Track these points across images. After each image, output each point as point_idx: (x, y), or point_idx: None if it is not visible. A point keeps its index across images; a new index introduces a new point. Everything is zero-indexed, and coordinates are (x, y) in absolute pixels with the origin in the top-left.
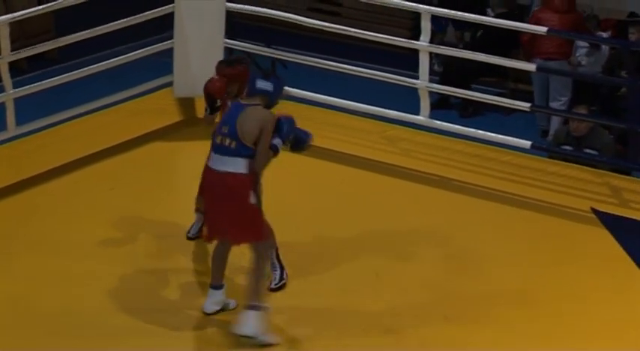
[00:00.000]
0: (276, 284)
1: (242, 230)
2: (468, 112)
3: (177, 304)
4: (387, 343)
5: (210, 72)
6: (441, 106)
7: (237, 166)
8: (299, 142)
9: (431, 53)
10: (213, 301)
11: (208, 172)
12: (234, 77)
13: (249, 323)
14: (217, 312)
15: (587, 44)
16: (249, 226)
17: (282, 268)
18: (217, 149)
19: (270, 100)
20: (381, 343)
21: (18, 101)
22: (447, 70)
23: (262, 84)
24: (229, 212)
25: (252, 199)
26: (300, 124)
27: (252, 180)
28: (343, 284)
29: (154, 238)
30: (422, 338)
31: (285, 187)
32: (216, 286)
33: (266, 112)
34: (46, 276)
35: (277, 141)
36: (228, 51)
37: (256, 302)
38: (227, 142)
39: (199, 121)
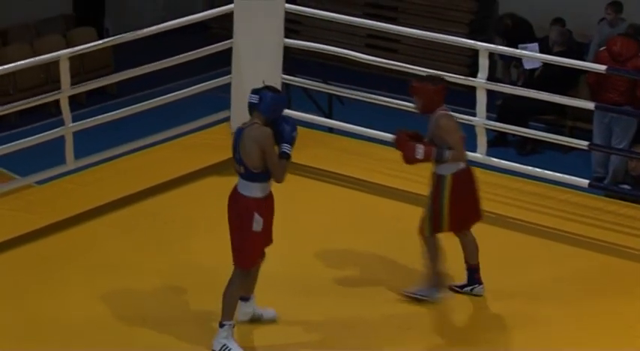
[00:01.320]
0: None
1: (234, 251)
2: (526, 150)
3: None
4: None
5: None
6: (499, 143)
7: (246, 189)
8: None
9: (488, 90)
10: (241, 311)
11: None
12: (415, 91)
13: (215, 338)
14: (251, 321)
15: None
16: (238, 249)
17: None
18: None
19: (264, 114)
20: None
21: (77, 135)
22: (505, 107)
23: (250, 97)
24: (231, 232)
25: (255, 225)
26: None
27: (259, 204)
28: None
29: (208, 271)
30: None
31: (339, 225)
32: (244, 298)
33: (259, 129)
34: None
35: (285, 147)
36: (285, 87)
37: (221, 320)
38: (237, 167)
39: None
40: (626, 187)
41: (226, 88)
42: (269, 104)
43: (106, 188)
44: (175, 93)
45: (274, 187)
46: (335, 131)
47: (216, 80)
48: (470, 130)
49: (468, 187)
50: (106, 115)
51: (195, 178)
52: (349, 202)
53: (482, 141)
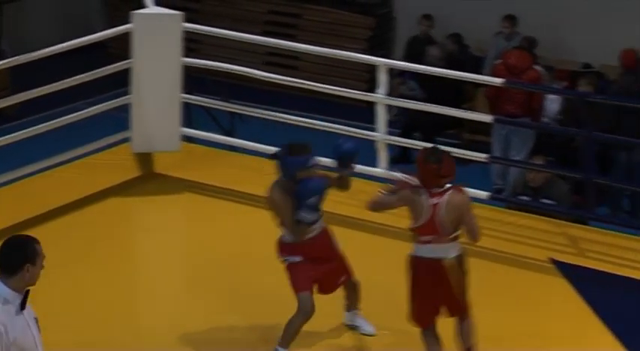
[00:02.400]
0: None
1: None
2: None
3: None
4: None
5: (168, 126)
6: (403, 160)
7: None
8: (342, 158)
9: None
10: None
11: None
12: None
13: None
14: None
15: (558, 101)
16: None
17: None
18: None
19: (282, 173)
20: None
21: None
22: (408, 124)
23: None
24: None
25: (288, 260)
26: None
27: (283, 245)
28: None
29: (106, 295)
30: None
31: (245, 244)
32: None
33: (269, 190)
34: None
35: (302, 215)
36: (186, 106)
37: (278, 346)
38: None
39: (157, 176)
40: (525, 198)
41: (126, 108)
42: (280, 165)
43: (3, 213)
44: (75, 114)
45: (179, 208)
46: (237, 149)
47: (116, 100)
48: (370, 145)
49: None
50: (4, 137)
51: (95, 200)
52: (253, 220)
53: (383, 156)
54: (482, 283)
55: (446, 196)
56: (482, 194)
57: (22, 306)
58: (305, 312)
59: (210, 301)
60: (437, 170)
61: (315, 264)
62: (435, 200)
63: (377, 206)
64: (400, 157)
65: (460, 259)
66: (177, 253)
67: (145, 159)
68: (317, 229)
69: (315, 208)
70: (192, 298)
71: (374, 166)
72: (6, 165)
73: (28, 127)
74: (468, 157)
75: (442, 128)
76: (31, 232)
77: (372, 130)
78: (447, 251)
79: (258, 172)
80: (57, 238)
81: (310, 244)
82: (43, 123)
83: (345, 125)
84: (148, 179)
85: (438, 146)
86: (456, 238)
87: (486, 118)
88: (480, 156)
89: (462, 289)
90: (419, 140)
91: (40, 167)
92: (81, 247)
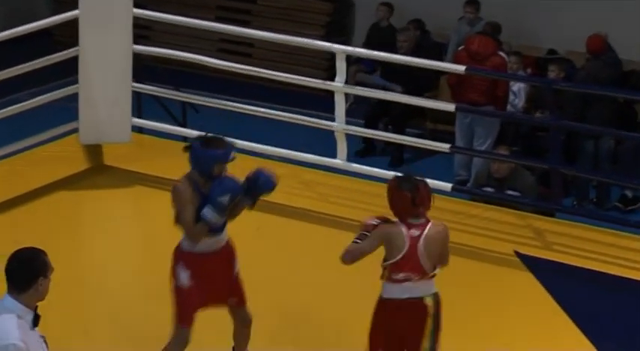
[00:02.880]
0: None
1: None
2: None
3: None
4: None
5: (117, 117)
6: (368, 153)
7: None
8: (253, 190)
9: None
10: None
11: None
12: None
13: None
14: None
15: (523, 90)
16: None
17: None
18: None
19: (191, 166)
20: None
21: None
22: (371, 114)
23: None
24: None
25: (178, 280)
26: None
27: (186, 258)
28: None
29: (58, 290)
30: None
31: None
32: None
33: (175, 183)
34: None
35: (206, 210)
36: (136, 95)
37: None
38: None
39: (106, 168)
40: (489, 189)
41: (74, 97)
42: (192, 156)
43: None
44: (20, 104)
45: (130, 201)
46: (189, 140)
47: (63, 90)
48: (329, 135)
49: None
50: None
51: (40, 194)
52: None
53: (342, 147)
54: (444, 277)
55: (427, 229)
56: (446, 186)
57: (36, 322)
58: (180, 344)
59: (162, 298)
60: (411, 199)
61: (205, 285)
62: (414, 232)
63: (353, 256)
64: (365, 151)
65: (438, 299)
66: (128, 248)
67: (93, 151)
68: (220, 243)
69: (222, 210)
70: (144, 296)
71: (333, 157)
72: None
73: None
74: (430, 148)
75: (408, 118)
76: None
77: (331, 119)
78: (426, 290)
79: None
80: (1, 233)
81: (208, 260)
82: None
83: (303, 115)
84: (98, 172)
85: (411, 174)
86: (434, 276)
87: (449, 106)
88: (443, 146)
89: (437, 335)
90: (384, 130)
91: None
92: (26, 244)
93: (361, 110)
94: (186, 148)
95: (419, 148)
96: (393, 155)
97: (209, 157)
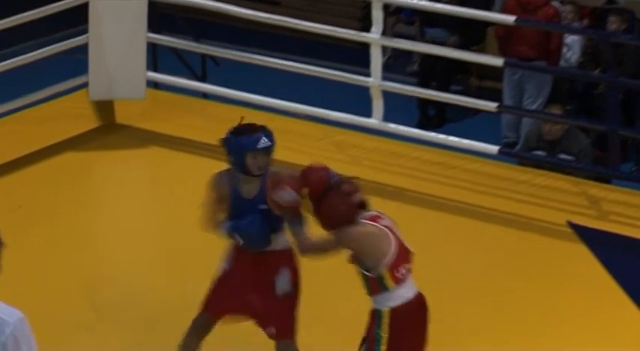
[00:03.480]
0: None
1: None
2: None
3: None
4: None
5: (131, 71)
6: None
7: None
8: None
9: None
10: None
11: None
12: None
13: None
14: None
15: (578, 43)
16: None
17: None
18: None
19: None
20: None
21: None
22: (427, 72)
23: None
24: None
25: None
26: None
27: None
28: None
29: (66, 263)
30: None
31: None
32: None
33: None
34: None
35: (225, 226)
36: (151, 46)
37: None
38: None
39: (118, 127)
40: (539, 153)
41: (83, 49)
42: (225, 149)
43: None
44: (24, 56)
45: (144, 163)
46: (209, 97)
47: (71, 41)
48: (364, 92)
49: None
50: None
51: (46, 155)
52: None
53: (377, 105)
54: (491, 249)
55: (381, 214)
56: (492, 148)
57: None
58: (194, 330)
59: (176, 267)
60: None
61: (237, 283)
62: (383, 221)
63: (312, 251)
64: (438, 119)
65: None
66: (141, 214)
67: (104, 108)
68: (278, 245)
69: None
70: (157, 266)
71: (368, 116)
72: None
73: None
74: (475, 106)
75: (453, 74)
76: None
77: (367, 75)
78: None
79: (233, 123)
80: (3, 197)
81: (246, 258)
82: None
83: (335, 69)
84: (108, 131)
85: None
86: None
87: (496, 61)
88: (490, 105)
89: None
90: (435, 89)
91: None
92: (31, 209)
93: (399, 65)
94: (220, 142)
95: (463, 106)
96: (425, 114)
97: (238, 147)
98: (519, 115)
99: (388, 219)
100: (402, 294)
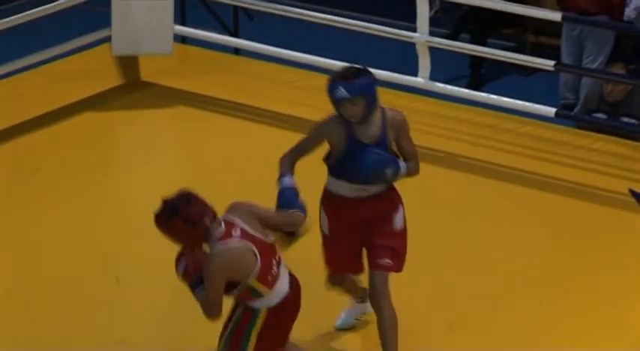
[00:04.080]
0: None
1: None
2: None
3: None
4: None
5: (157, 24)
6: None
7: None
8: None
9: None
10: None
11: None
12: None
13: None
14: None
15: None
16: None
17: None
18: None
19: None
20: None
21: None
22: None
23: None
24: None
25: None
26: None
27: (324, 193)
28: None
29: (88, 229)
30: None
31: (251, 167)
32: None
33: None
34: None
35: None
36: None
37: None
38: None
39: (143, 85)
40: (600, 115)
41: (106, 1)
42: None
43: None
44: (42, 8)
45: (170, 124)
46: (242, 52)
47: None
48: (410, 49)
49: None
50: None
51: (66, 115)
52: (259, 139)
53: (424, 63)
54: (546, 220)
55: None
56: (548, 110)
57: None
58: (330, 282)
59: None
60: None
61: (353, 233)
62: (237, 231)
63: (207, 304)
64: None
65: None
66: (166, 178)
67: (128, 64)
68: (367, 191)
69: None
70: None
71: (413, 75)
72: None
73: None
74: (531, 65)
75: (496, 26)
76: None
77: (412, 30)
78: None
79: (268, 81)
80: (20, 160)
81: (354, 208)
82: (3, 18)
83: (378, 24)
84: (133, 89)
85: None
86: None
87: (554, 16)
88: (547, 63)
89: None
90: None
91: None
92: (49, 172)
93: (448, 20)
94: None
95: (519, 65)
96: (477, 72)
97: (328, 92)
98: (578, 74)
99: (239, 215)
100: (278, 291)
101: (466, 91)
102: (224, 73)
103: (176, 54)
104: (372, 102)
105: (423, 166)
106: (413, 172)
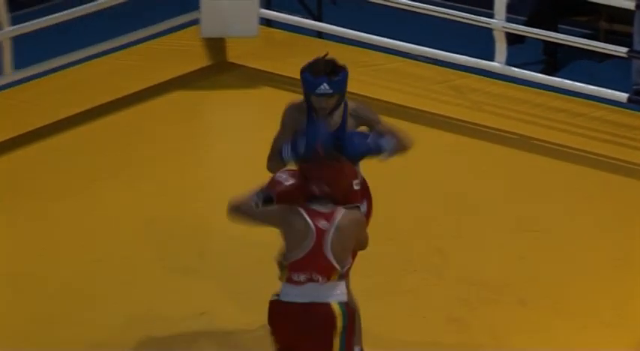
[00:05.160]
0: None
1: None
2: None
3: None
4: (451, 332)
5: (244, 7)
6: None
7: None
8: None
9: None
10: None
11: None
12: None
13: None
14: None
15: None
16: None
17: None
18: None
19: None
20: (444, 332)
21: (16, 40)
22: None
23: None
24: None
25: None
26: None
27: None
28: (401, 263)
29: (172, 204)
30: (492, 327)
31: None
32: None
33: None
34: (47, 245)
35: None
36: None
37: None
38: None
39: (229, 66)
40: None
41: None
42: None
43: (51, 105)
44: None
45: (255, 103)
46: (325, 36)
47: None
48: (487, 34)
49: None
50: (51, 16)
51: (157, 93)
52: None
53: (501, 48)
54: (618, 203)
55: (337, 218)
56: (621, 96)
57: None
58: None
59: None
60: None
61: None
62: (320, 223)
63: (239, 212)
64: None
65: (348, 309)
66: (249, 156)
67: (216, 45)
68: None
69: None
70: None
71: (490, 59)
72: (52, 49)
73: (76, 6)
74: (604, 51)
75: (570, 14)
76: (79, 130)
77: (489, 16)
78: (329, 295)
79: (350, 63)
80: (110, 136)
81: None
82: (96, 0)
83: (456, 9)
84: (219, 69)
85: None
86: (344, 277)
87: (628, 3)
88: (620, 50)
89: None
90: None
91: (92, 53)
92: (137, 148)
93: (525, 6)
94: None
95: (593, 52)
96: (552, 58)
97: (303, 84)
98: None
99: (333, 222)
100: (286, 292)
101: (541, 75)
102: (307, 55)
103: (261, 36)
104: (343, 96)
105: (498, 148)
106: (399, 146)
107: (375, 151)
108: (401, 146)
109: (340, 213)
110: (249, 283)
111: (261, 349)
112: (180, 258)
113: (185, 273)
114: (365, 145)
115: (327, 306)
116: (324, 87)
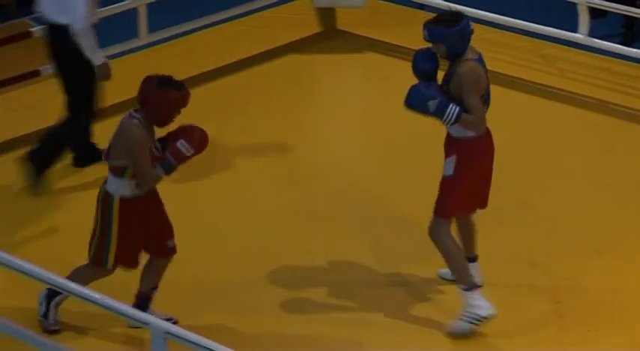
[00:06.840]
0: None
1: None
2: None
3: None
4: (531, 275)
5: None
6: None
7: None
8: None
9: None
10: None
11: None
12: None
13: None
14: None
15: None
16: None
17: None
18: None
19: None
20: (525, 275)
21: (150, 7)
22: None
23: None
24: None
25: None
26: None
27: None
28: (490, 214)
29: (286, 157)
30: (570, 271)
31: None
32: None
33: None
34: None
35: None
36: None
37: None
38: None
39: (339, 33)
40: None
41: None
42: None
43: (181, 64)
44: None
45: (361, 68)
46: (426, 8)
47: None
48: (572, 8)
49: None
50: None
51: (273, 56)
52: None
53: (584, 20)
54: None
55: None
56: None
57: None
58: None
59: (390, 176)
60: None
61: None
62: None
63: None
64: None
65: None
66: (356, 117)
67: (326, 14)
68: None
69: None
70: (375, 176)
71: (574, 31)
72: (181, 16)
73: None
74: None
75: None
76: (203, 88)
77: None
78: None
79: None
80: (231, 93)
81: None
82: None
83: None
84: (330, 36)
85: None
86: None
87: None
88: None
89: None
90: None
91: (216, 20)
92: (255, 105)
93: None
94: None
95: None
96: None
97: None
98: None
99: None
100: (133, 187)
101: (620, 46)
102: (409, 24)
103: (368, 7)
104: (449, 48)
105: (579, 112)
106: (467, 122)
107: (422, 109)
108: (464, 123)
109: None
110: (359, 226)
111: None
112: (294, 203)
113: (298, 217)
114: (420, 100)
115: None
116: (424, 33)
